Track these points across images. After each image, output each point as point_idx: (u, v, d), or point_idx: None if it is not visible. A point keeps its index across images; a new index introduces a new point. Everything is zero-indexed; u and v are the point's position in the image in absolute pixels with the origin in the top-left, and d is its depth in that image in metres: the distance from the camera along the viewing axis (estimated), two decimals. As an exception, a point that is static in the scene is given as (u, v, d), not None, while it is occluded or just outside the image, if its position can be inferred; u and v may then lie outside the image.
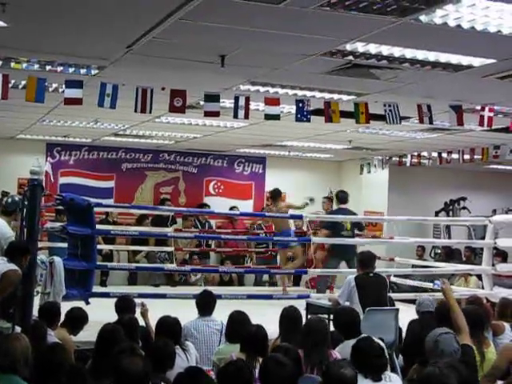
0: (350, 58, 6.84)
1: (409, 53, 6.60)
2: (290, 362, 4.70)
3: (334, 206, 12.32)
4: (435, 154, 13.83)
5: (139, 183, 15.87)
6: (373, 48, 6.48)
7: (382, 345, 5.63)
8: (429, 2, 5.09)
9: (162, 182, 16.08)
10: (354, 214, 11.97)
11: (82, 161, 15.44)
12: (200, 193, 16.29)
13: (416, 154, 14.19)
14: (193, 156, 16.21)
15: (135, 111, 7.72)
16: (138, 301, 7.32)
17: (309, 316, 8.02)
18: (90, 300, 8.59)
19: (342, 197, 11.91)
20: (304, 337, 5.86)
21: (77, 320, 6.71)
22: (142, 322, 6.77)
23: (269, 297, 10.42)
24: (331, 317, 7.22)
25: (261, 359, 5.23)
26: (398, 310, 7.81)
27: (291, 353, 5.18)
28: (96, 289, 9.45)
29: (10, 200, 8.06)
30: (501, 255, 12.15)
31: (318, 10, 5.34)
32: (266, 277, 14.63)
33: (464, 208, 16.42)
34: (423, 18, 5.45)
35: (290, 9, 5.32)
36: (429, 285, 11.18)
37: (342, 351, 5.90)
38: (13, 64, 7.57)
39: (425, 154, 14.05)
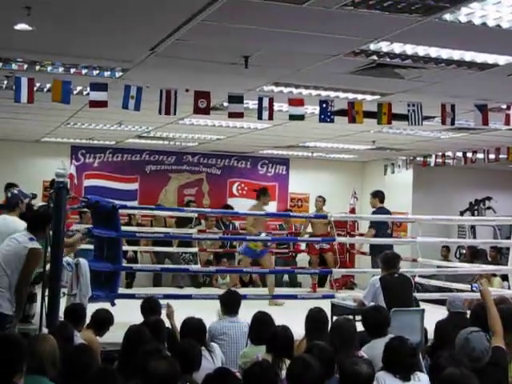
0: (374, 57, 6.80)
1: (433, 52, 6.56)
2: (319, 362, 4.68)
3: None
4: (460, 154, 13.72)
5: (163, 185, 15.92)
6: (397, 47, 6.45)
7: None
8: (454, 1, 5.06)
9: (186, 183, 16.12)
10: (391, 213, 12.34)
11: (107, 163, 15.53)
12: (224, 194, 16.31)
13: (440, 153, 14.09)
14: (216, 157, 16.25)
15: (159, 113, 7.75)
16: (163, 302, 7.34)
17: (334, 317, 7.99)
18: (115, 301, 8.64)
19: (383, 196, 12.32)
20: (331, 337, 5.85)
21: (103, 321, 6.74)
22: (167, 323, 6.77)
23: (293, 297, 10.42)
24: (356, 318, 7.20)
25: (287, 360, 5.23)
26: (423, 310, 7.77)
27: (326, 352, 5.15)
28: (122, 290, 9.50)
29: (9, 194, 7.99)
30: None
31: (341, 10, 5.32)
32: (285, 277, 14.60)
33: (489, 208, 16.29)
34: (448, 16, 5.41)
35: (314, 9, 5.30)
36: (454, 285, 11.16)
37: (368, 351, 5.88)
38: (38, 67, 7.63)
39: (449, 153, 13.95)
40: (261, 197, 11.50)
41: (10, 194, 7.97)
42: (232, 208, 15.35)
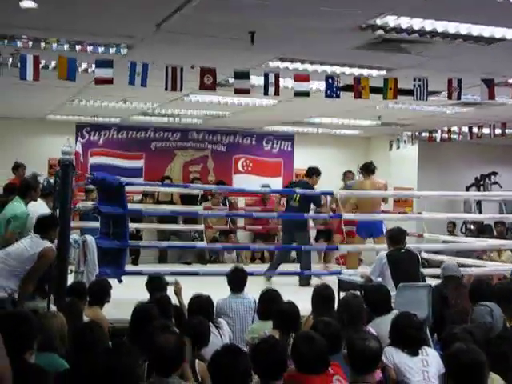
0: (381, 32, 6.75)
1: (440, 26, 6.51)
2: (324, 337, 4.70)
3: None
4: (466, 129, 13.66)
5: (168, 162, 15.89)
6: (404, 22, 6.40)
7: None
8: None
9: (191, 160, 16.09)
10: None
11: (112, 141, 15.50)
12: (229, 171, 16.29)
13: (446, 129, 14.03)
14: (221, 134, 16.21)
15: (166, 89, 7.72)
16: (170, 279, 7.36)
17: (341, 293, 8.02)
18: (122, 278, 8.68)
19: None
20: (340, 313, 5.88)
21: (102, 291, 6.80)
22: (174, 300, 6.80)
23: (300, 273, 10.44)
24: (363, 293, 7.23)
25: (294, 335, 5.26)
26: (430, 285, 7.78)
27: (331, 327, 5.17)
28: (128, 267, 9.53)
29: (45, 183, 8.23)
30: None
31: (348, -16, 5.30)
32: (293, 254, 14.58)
33: (495, 183, 16.24)
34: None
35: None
36: (460, 260, 11.17)
37: (374, 328, 5.91)
38: (43, 45, 7.59)
39: (455, 128, 13.89)
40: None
41: (45, 182, 8.30)
42: (225, 184, 15.26)
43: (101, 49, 7.75)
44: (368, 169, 11.51)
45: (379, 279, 7.94)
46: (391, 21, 6.36)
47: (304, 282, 10.38)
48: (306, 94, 8.15)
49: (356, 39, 7.08)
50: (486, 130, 13.20)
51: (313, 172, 11.38)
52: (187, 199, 14.02)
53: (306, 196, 10.91)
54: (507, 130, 12.69)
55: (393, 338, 5.40)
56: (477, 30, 6.62)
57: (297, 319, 5.85)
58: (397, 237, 8.23)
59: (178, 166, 16.00)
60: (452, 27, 6.55)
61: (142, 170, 15.63)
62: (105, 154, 15.35)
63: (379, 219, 11.14)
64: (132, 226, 12.37)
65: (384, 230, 10.72)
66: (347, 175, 13.12)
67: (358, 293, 7.59)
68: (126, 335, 5.69)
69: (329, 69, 8.53)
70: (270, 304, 6.22)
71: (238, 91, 7.98)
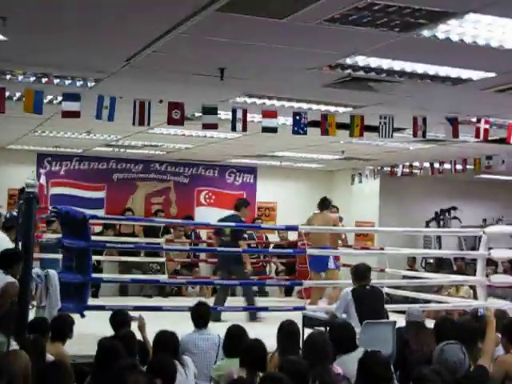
0: (350, 71, 6.83)
1: (409, 66, 6.61)
2: (291, 378, 4.66)
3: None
4: (427, 165, 13.83)
5: (130, 193, 15.76)
6: (373, 62, 6.48)
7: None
8: (433, 18, 5.09)
9: (154, 192, 15.99)
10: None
11: (73, 171, 15.33)
12: (191, 203, 16.21)
13: (408, 164, 14.19)
14: (184, 166, 16.16)
15: (133, 124, 7.68)
16: (134, 314, 7.27)
17: (305, 328, 7.98)
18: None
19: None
20: (305, 352, 5.84)
21: (65, 327, 6.64)
22: (138, 335, 6.70)
23: (265, 309, 10.38)
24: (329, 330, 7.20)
25: (261, 374, 5.21)
26: (395, 322, 7.78)
27: (299, 366, 5.13)
28: (90, 301, 9.38)
29: (8, 215, 8.10)
30: (493, 265, 12.20)
31: (321, 25, 5.33)
32: (255, 287, 14.52)
33: (455, 218, 16.42)
34: (426, 32, 5.45)
35: (293, 24, 5.30)
36: (422, 295, 11.25)
37: (340, 365, 5.87)
38: (8, 77, 7.52)
39: (416, 163, 14.06)
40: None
41: (8, 215, 8.16)
42: (193, 218, 15.22)
43: (67, 81, 7.70)
44: (322, 203, 11.56)
45: (344, 316, 7.92)
46: (360, 60, 6.43)
47: (253, 316, 10.34)
48: (274, 130, 8.18)
49: (325, 77, 7.14)
50: (447, 166, 13.36)
51: (241, 204, 11.35)
52: (149, 231, 13.91)
53: (235, 230, 10.86)
54: (468, 166, 12.86)
55: (360, 376, 5.35)
56: (444, 71, 6.72)
57: (263, 357, 5.79)
58: (362, 273, 8.24)
59: (140, 197, 15.88)
60: (420, 68, 6.65)
61: (104, 201, 15.47)
62: (66, 185, 15.15)
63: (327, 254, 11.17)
64: (93, 258, 12.24)
65: (331, 265, 10.95)
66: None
67: (323, 329, 7.61)
68: (91, 373, 5.58)
69: (296, 105, 8.57)
70: (237, 341, 6.15)
71: (206, 126, 7.98)
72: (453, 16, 5.07)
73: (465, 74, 6.81)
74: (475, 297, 11.12)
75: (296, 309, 9.72)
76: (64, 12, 5.38)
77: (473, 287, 11.59)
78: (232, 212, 11.41)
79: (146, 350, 6.51)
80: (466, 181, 15.91)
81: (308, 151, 13.42)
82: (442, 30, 5.40)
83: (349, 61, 6.43)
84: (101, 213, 14.63)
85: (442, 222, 16.49)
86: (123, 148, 13.73)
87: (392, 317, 8.30)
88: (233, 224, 10.65)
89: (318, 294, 11.37)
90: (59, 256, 9.85)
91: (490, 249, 10.93)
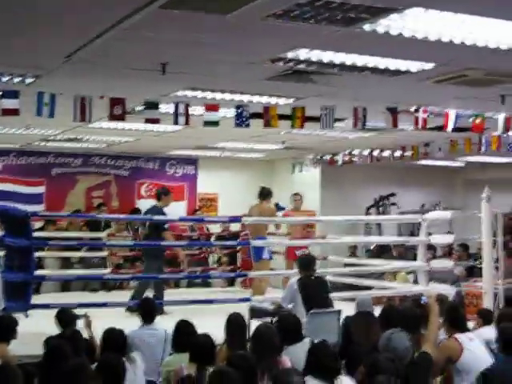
0: (291, 64, 6.87)
1: (349, 59, 6.68)
2: (239, 371, 4.71)
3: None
4: (366, 153, 14.01)
5: (70, 188, 15.53)
6: (314, 55, 6.53)
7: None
8: (374, 13, 5.16)
9: (94, 185, 15.81)
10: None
11: (11, 166, 15.03)
12: (132, 196, 16.08)
13: (347, 152, 14.34)
14: (124, 159, 16.01)
15: (74, 120, 7.59)
16: (79, 311, 7.22)
17: (252, 319, 8.02)
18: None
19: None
20: (253, 345, 5.87)
21: (8, 328, 6.49)
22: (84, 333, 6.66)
23: (210, 301, 10.39)
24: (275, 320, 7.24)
25: (210, 368, 5.24)
26: (340, 311, 7.89)
27: (247, 361, 5.17)
28: (34, 300, 9.28)
29: None
30: (432, 250, 12.42)
31: (263, 21, 5.35)
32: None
33: (393, 204, 16.68)
34: (367, 27, 5.52)
35: (237, 20, 5.31)
36: (365, 282, 11.41)
37: (288, 356, 5.93)
38: None
39: (356, 152, 14.22)
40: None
41: None
42: (140, 211, 15.13)
43: (4, 78, 7.55)
44: (261, 194, 11.63)
45: (290, 306, 8.00)
46: (302, 54, 6.48)
47: (160, 310, 10.22)
48: (215, 123, 8.18)
49: (267, 71, 7.17)
50: (386, 154, 13.56)
51: (161, 193, 11.27)
52: (91, 225, 13.78)
53: (153, 223, 10.80)
54: (406, 153, 13.07)
55: (309, 367, 5.40)
56: (384, 63, 6.82)
57: (213, 352, 5.81)
58: (307, 263, 8.34)
59: (81, 191, 15.68)
60: (360, 60, 6.73)
61: (43, 197, 15.23)
62: (4, 181, 14.85)
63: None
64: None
65: (265, 255, 11.09)
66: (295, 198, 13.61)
67: (270, 320, 7.65)
68: (38, 374, 5.52)
69: (237, 97, 8.57)
70: (186, 336, 6.17)
71: (148, 121, 7.93)
72: (394, 11, 5.15)
73: (404, 65, 6.93)
74: (416, 282, 11.31)
75: (241, 300, 9.78)
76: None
77: (412, 272, 11.79)
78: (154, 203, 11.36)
79: (93, 347, 6.48)
80: (405, 167, 16.14)
81: (249, 142, 13.44)
82: (383, 25, 5.48)
83: (290, 55, 6.48)
84: (40, 208, 14.44)
85: (381, 209, 16.73)
86: (62, 142, 13.51)
87: (336, 305, 8.42)
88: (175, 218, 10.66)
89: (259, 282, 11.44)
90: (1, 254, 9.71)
91: (429, 234, 11.17)
